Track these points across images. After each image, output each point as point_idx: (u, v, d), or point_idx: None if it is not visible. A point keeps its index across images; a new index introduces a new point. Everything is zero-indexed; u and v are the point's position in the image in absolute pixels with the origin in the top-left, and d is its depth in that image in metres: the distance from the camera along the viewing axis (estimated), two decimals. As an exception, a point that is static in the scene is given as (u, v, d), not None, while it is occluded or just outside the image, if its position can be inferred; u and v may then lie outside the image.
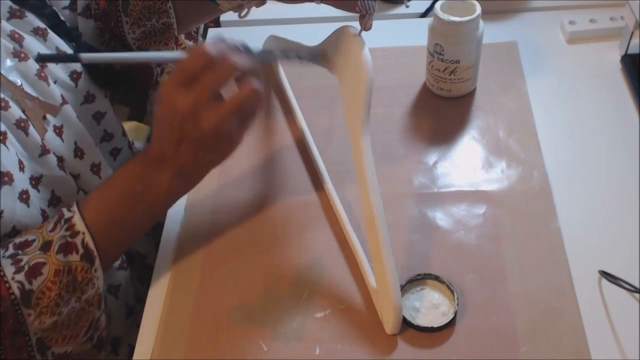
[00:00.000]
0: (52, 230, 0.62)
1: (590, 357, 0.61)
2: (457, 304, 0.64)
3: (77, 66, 0.74)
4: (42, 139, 0.67)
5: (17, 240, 0.62)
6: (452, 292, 0.65)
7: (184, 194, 0.68)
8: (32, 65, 0.68)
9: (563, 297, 0.65)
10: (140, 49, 0.80)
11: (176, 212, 0.76)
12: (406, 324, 0.64)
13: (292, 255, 0.71)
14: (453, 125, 0.82)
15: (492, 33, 0.88)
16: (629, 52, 0.86)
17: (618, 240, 0.70)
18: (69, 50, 0.74)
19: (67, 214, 0.63)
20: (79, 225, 0.62)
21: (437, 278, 0.67)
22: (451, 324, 0.64)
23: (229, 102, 0.61)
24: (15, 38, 0.68)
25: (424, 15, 1.00)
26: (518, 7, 0.98)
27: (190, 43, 0.87)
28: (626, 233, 0.70)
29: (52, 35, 0.72)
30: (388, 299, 0.63)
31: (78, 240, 0.62)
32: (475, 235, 0.71)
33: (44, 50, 0.70)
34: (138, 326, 0.69)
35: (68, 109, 0.71)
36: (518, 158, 0.77)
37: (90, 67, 0.76)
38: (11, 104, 0.64)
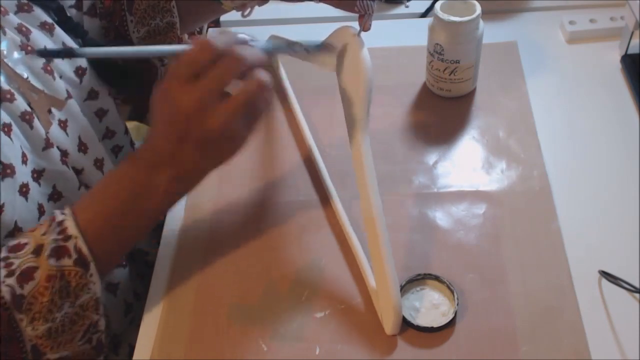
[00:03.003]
0: (45, 233, 0.59)
1: (590, 357, 0.61)
2: (457, 304, 0.64)
3: (82, 62, 0.74)
4: (47, 133, 0.67)
5: (11, 243, 0.60)
6: (452, 292, 0.65)
7: (183, 196, 0.65)
8: (39, 59, 0.68)
9: (563, 297, 0.65)
10: None
11: (176, 212, 0.76)
12: (406, 324, 0.64)
13: (292, 255, 0.71)
14: (453, 125, 0.82)
15: (492, 33, 0.88)
16: (629, 52, 0.86)
17: (618, 240, 0.70)
18: (74, 46, 0.74)
19: (59, 217, 0.60)
20: (72, 229, 0.59)
21: (437, 278, 0.67)
22: (451, 324, 0.64)
23: (236, 99, 0.57)
24: (23, 31, 0.68)
25: (424, 15, 1.00)
26: (518, 7, 0.98)
27: None
28: (626, 233, 0.70)
29: (58, 30, 0.72)
30: (388, 300, 0.63)
31: (70, 244, 0.59)
32: (475, 235, 0.71)
33: (50, 44, 0.70)
34: (138, 326, 0.69)
35: (73, 103, 0.71)
36: (518, 158, 0.77)
37: (95, 64, 0.76)
38: (17, 96, 0.64)
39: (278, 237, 0.73)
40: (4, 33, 0.66)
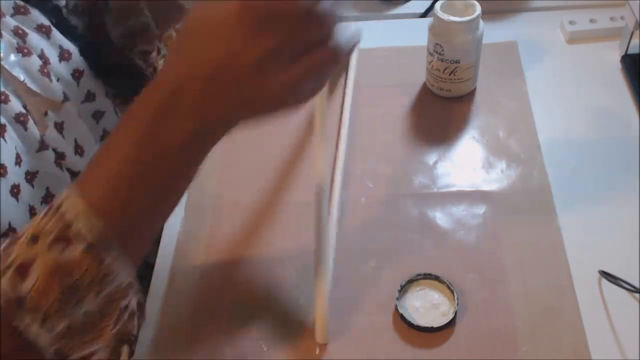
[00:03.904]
0: (42, 219, 0.49)
1: (590, 357, 0.61)
2: (457, 304, 0.64)
3: (80, 64, 0.74)
4: (43, 135, 0.67)
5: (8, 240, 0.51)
6: (452, 292, 0.65)
7: (204, 157, 0.52)
8: (35, 61, 0.68)
9: (563, 297, 0.65)
10: (126, 47, 0.80)
11: (176, 212, 0.76)
12: (406, 324, 0.64)
13: (291, 255, 0.71)
14: (453, 125, 0.82)
15: (492, 33, 0.88)
16: (629, 52, 0.86)
17: (618, 240, 0.70)
18: (72, 49, 0.74)
19: (58, 199, 0.49)
20: (73, 210, 0.48)
21: (437, 278, 0.67)
22: (451, 324, 0.64)
23: (308, 68, 0.47)
24: (19, 34, 0.68)
25: (424, 15, 1.00)
26: (518, 7, 0.98)
27: None
28: (626, 233, 0.70)
29: (55, 32, 0.72)
30: (318, 306, 0.63)
31: (74, 230, 0.48)
32: (475, 235, 0.71)
33: (47, 47, 0.71)
34: (138, 325, 0.68)
35: (69, 106, 0.71)
36: (518, 158, 0.77)
37: (93, 65, 0.76)
38: (12, 97, 0.64)
39: (278, 237, 0.73)
40: (1, 36, 0.66)
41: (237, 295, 0.69)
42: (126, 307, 0.53)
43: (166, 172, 0.51)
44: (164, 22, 0.83)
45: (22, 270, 0.48)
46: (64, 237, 0.48)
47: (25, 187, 0.65)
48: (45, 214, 0.49)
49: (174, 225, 0.76)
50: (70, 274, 0.48)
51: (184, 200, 0.76)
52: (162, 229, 0.76)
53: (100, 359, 0.52)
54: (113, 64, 0.80)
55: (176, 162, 0.51)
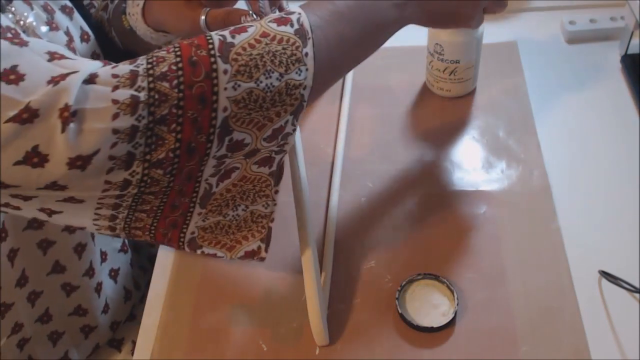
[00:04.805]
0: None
1: (590, 357, 0.61)
2: (457, 304, 0.64)
3: (96, 48, 0.75)
4: None
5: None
6: (452, 292, 0.65)
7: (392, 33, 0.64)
8: (62, 37, 0.69)
9: (563, 297, 0.65)
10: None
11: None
12: (406, 324, 0.64)
13: (291, 255, 0.71)
14: (453, 125, 0.82)
15: (492, 33, 0.88)
16: (629, 52, 0.86)
17: (618, 240, 0.70)
18: (90, 33, 0.75)
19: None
20: (296, 8, 0.57)
21: (437, 278, 0.67)
22: (451, 324, 0.64)
23: None
24: (48, 10, 0.69)
25: (424, 15, 1.00)
26: (518, 7, 0.98)
27: None
28: (626, 233, 0.70)
29: (77, 15, 0.74)
30: (310, 310, 0.63)
31: (293, 17, 0.55)
32: (475, 235, 0.71)
33: (71, 27, 0.72)
34: (139, 321, 0.69)
35: None
36: (518, 158, 0.77)
37: (107, 52, 0.77)
38: None
39: (278, 236, 0.73)
40: (32, 8, 0.67)
41: (237, 295, 0.69)
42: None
43: (369, 25, 0.61)
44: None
45: (240, 29, 0.54)
46: (283, 19, 0.55)
47: None
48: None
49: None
50: (279, 41, 0.54)
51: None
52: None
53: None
54: (122, 52, 0.80)
55: (378, 25, 0.61)
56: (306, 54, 0.54)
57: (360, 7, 0.59)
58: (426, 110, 0.85)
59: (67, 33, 0.70)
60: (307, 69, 0.54)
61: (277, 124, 0.55)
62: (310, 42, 0.54)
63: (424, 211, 0.74)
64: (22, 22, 0.65)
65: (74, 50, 0.70)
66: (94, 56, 0.75)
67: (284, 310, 0.67)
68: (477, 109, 0.84)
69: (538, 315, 0.64)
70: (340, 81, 0.88)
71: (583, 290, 0.66)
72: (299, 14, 0.55)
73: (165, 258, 0.73)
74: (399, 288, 0.66)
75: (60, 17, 0.70)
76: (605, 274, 0.66)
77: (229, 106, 0.51)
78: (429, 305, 0.65)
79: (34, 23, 0.66)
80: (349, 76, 0.88)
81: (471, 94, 0.85)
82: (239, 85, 0.51)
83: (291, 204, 0.76)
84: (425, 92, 0.86)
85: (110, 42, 0.79)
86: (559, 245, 0.69)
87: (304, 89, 0.55)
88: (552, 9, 0.97)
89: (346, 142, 0.81)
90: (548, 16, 0.96)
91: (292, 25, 0.54)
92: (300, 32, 0.54)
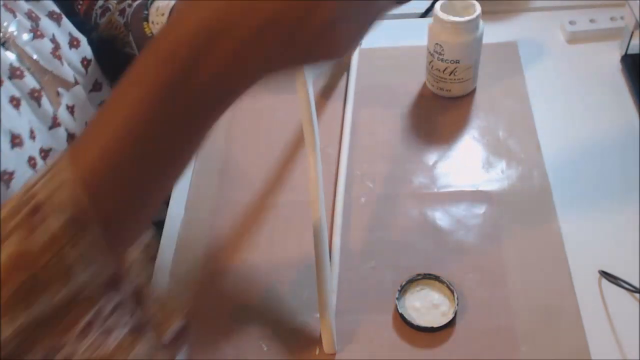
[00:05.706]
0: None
1: (590, 357, 0.61)
2: (457, 304, 0.64)
3: (88, 53, 0.76)
4: (55, 112, 0.68)
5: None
6: (452, 292, 0.65)
7: (219, 116, 0.41)
8: (47, 44, 0.69)
9: (563, 297, 0.65)
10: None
11: (176, 212, 0.76)
12: (406, 324, 0.64)
13: (292, 255, 0.71)
14: (453, 125, 0.82)
15: (492, 33, 0.88)
16: (629, 52, 0.86)
17: (618, 240, 0.70)
18: (81, 38, 0.75)
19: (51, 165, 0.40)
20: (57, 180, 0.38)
21: (437, 278, 0.67)
22: (451, 324, 0.64)
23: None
24: (32, 17, 0.69)
25: (424, 15, 1.00)
26: (518, 7, 0.98)
27: None
28: (626, 233, 0.70)
29: (65, 20, 0.74)
30: (322, 318, 0.63)
31: (48, 206, 0.38)
32: (475, 235, 0.71)
33: (58, 33, 0.71)
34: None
35: (79, 90, 0.72)
36: (518, 158, 0.77)
37: (100, 55, 0.77)
38: (27, 74, 0.66)
39: (278, 236, 0.73)
40: (15, 16, 0.67)
41: (237, 295, 0.69)
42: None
43: (179, 133, 0.40)
44: None
45: None
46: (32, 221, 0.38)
47: (40, 163, 0.66)
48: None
49: (174, 225, 0.75)
50: (34, 261, 0.38)
51: (183, 200, 0.76)
52: (162, 228, 0.76)
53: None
54: (117, 56, 0.81)
55: (196, 120, 0.40)
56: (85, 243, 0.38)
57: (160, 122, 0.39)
58: (426, 110, 0.85)
59: (53, 40, 0.70)
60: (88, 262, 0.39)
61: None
62: (95, 226, 0.39)
63: (424, 211, 0.74)
64: (0, 33, 0.65)
65: (59, 58, 0.70)
66: (84, 62, 0.75)
67: (284, 310, 0.67)
68: (477, 109, 0.84)
69: (538, 315, 0.64)
70: (344, 82, 0.88)
71: (583, 290, 0.66)
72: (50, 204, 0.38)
73: (165, 258, 0.73)
74: (399, 288, 0.66)
75: (46, 23, 0.70)
76: (605, 274, 0.66)
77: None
78: (429, 305, 0.65)
79: (15, 32, 0.66)
80: (352, 77, 0.88)
81: (471, 94, 0.85)
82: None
83: (292, 204, 0.76)
84: (425, 92, 0.86)
85: (111, 45, 0.79)
86: (559, 245, 0.69)
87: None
88: (552, 9, 0.97)
89: (349, 143, 0.81)
90: (548, 16, 0.96)
91: (54, 221, 0.38)
92: (67, 225, 0.38)
